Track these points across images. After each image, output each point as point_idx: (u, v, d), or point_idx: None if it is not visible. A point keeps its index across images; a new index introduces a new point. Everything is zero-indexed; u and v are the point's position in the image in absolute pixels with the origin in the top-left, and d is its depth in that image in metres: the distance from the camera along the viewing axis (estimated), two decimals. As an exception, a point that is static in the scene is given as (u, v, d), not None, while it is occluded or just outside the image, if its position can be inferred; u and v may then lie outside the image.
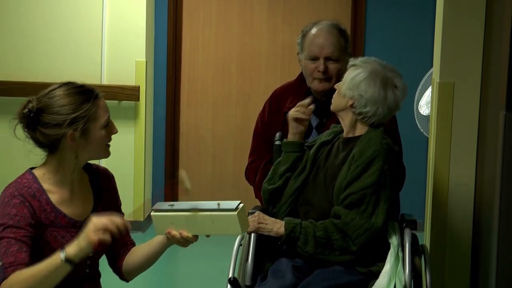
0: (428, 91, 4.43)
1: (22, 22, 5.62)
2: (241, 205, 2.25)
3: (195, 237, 2.29)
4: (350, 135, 2.90)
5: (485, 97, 3.37)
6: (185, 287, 4.93)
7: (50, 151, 2.34)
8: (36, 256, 2.23)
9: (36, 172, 2.34)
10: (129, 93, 5.54)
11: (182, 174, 2.36)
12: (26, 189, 2.28)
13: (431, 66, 4.05)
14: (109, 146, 2.39)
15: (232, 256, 2.98)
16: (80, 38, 5.61)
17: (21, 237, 2.20)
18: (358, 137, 2.87)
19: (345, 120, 2.90)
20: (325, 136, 3.02)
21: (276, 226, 2.81)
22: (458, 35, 3.43)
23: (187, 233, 2.27)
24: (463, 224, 3.49)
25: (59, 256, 2.15)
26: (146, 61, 5.67)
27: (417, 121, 4.56)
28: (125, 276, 2.48)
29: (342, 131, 2.97)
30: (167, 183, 6.03)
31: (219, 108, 6.12)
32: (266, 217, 2.85)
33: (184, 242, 2.29)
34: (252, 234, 2.90)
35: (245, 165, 3.46)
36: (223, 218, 2.24)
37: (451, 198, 3.48)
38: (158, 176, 6.05)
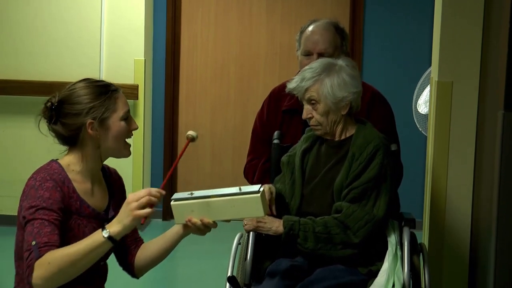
0: (427, 90, 4.43)
1: (20, 20, 5.62)
2: (262, 188, 2.30)
3: (215, 224, 2.32)
4: (343, 138, 2.90)
5: (483, 96, 3.37)
6: (184, 285, 4.93)
7: (72, 144, 2.38)
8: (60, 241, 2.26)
9: (61, 162, 2.38)
10: (128, 92, 5.53)
11: (191, 132, 2.41)
12: (56, 175, 2.32)
13: (430, 65, 4.05)
14: (129, 145, 2.44)
15: (231, 254, 2.98)
16: (79, 37, 5.61)
17: (53, 219, 2.23)
18: (350, 137, 2.88)
19: (338, 128, 2.89)
20: (303, 142, 3.00)
21: (274, 224, 2.81)
22: (456, 34, 3.43)
23: (208, 219, 2.30)
24: (462, 222, 3.49)
25: (101, 234, 2.17)
26: (145, 59, 5.67)
27: (415, 120, 4.56)
28: (136, 272, 2.50)
29: (318, 136, 2.95)
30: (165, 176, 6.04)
31: (217, 107, 6.13)
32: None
33: (204, 229, 2.32)
34: (251, 233, 2.90)
35: (243, 165, 3.46)
36: (246, 201, 2.28)
37: (449, 196, 3.49)
38: (156, 175, 6.05)
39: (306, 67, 2.92)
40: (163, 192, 2.25)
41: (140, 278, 2.57)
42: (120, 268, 2.53)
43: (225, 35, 6.07)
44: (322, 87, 2.82)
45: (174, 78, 6.08)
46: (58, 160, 2.39)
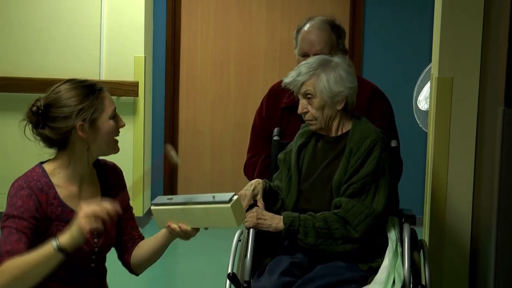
0: (427, 86, 4.43)
1: (20, 18, 5.62)
2: (235, 197, 2.24)
3: (195, 230, 2.30)
4: (339, 133, 2.89)
5: (483, 92, 3.37)
6: (184, 282, 4.93)
7: (61, 148, 2.36)
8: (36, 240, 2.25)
9: (46, 167, 2.36)
10: (128, 89, 5.54)
11: (168, 148, 2.37)
12: (34, 182, 2.30)
13: (430, 61, 4.05)
14: (117, 141, 2.42)
15: (231, 251, 2.98)
16: (79, 34, 5.61)
17: (22, 228, 2.22)
18: (346, 133, 2.88)
19: (333, 123, 2.89)
20: (298, 138, 3.00)
21: (274, 221, 2.81)
22: (456, 30, 3.43)
23: (186, 226, 2.29)
24: (462, 218, 3.49)
25: (51, 245, 2.16)
26: (145, 56, 5.67)
27: (416, 116, 4.56)
28: (134, 269, 2.50)
29: (313, 131, 2.94)
30: (166, 177, 6.04)
31: (217, 104, 6.12)
32: (265, 212, 2.85)
33: (184, 235, 2.31)
34: (251, 230, 2.89)
35: (243, 162, 3.46)
36: (217, 211, 2.23)
37: (450, 193, 3.49)
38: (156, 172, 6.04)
39: (303, 62, 2.95)
40: (119, 211, 2.20)
41: (141, 275, 2.57)
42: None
43: (225, 31, 6.06)
44: (318, 81, 2.83)
45: (174, 75, 6.08)
46: (44, 164, 2.36)
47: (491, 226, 2.88)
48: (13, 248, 2.19)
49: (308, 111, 2.87)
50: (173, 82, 6.08)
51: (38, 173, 2.32)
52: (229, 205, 2.21)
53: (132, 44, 5.62)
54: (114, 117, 2.39)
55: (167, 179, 6.04)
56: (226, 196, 2.24)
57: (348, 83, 2.85)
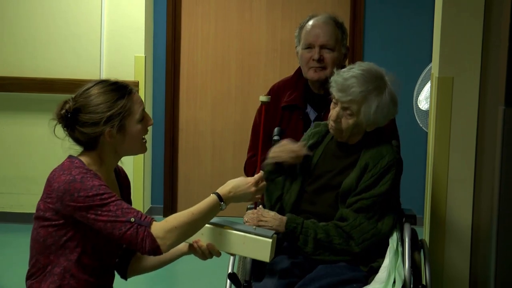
0: (427, 86, 4.43)
1: (21, 17, 5.62)
2: (275, 235, 2.35)
3: (220, 253, 2.34)
4: (354, 142, 2.86)
5: (484, 91, 3.37)
6: (185, 281, 4.93)
7: (89, 148, 2.37)
8: (88, 231, 2.26)
9: (82, 160, 2.36)
10: (128, 89, 5.53)
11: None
12: (88, 170, 2.30)
13: (430, 60, 4.05)
14: (145, 141, 2.44)
15: (232, 251, 2.98)
16: (79, 33, 5.61)
17: (119, 198, 2.25)
18: (360, 142, 2.86)
19: (354, 137, 2.85)
20: (310, 137, 2.98)
21: (275, 223, 2.79)
22: (457, 30, 3.43)
23: (214, 247, 2.33)
24: (463, 218, 3.49)
25: (216, 200, 2.30)
26: (145, 56, 5.67)
27: (416, 116, 4.56)
28: (128, 273, 2.52)
29: (326, 130, 2.93)
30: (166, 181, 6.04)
31: (218, 104, 6.12)
32: (265, 213, 2.84)
33: (208, 254, 2.34)
34: (252, 230, 2.89)
35: (244, 161, 3.46)
36: (256, 242, 2.32)
37: (450, 192, 3.49)
38: (157, 171, 6.05)
39: (357, 70, 2.81)
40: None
41: (142, 275, 2.58)
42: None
43: (226, 30, 6.06)
44: (366, 106, 2.76)
45: (174, 74, 6.07)
46: (78, 157, 2.37)
47: (491, 226, 2.88)
48: (138, 212, 2.21)
49: (340, 122, 2.81)
50: (173, 81, 6.07)
51: (82, 164, 2.32)
52: (270, 240, 2.31)
53: (132, 44, 5.62)
54: (143, 119, 2.39)
55: (167, 178, 6.04)
56: (268, 231, 2.36)
57: (390, 115, 2.82)
